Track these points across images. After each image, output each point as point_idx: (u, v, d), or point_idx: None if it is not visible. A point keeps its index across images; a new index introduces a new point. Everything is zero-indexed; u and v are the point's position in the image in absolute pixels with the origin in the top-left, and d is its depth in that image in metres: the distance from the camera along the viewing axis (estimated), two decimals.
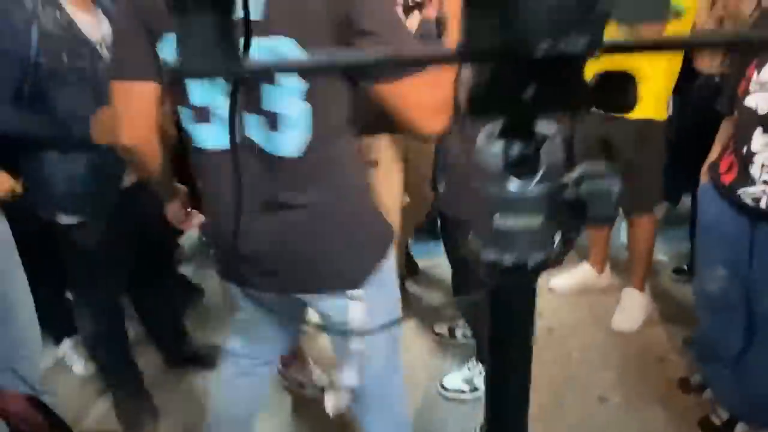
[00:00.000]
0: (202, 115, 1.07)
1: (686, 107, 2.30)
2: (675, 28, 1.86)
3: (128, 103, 1.10)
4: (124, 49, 1.09)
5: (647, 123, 2.08)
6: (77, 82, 1.52)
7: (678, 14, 1.89)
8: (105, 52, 1.57)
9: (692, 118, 2.24)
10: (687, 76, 2.24)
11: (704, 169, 1.68)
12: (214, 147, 1.09)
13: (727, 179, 1.52)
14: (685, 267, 2.59)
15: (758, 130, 1.44)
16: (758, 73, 1.47)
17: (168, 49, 1.03)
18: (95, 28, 1.59)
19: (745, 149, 1.46)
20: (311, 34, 0.96)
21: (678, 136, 2.24)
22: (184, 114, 1.09)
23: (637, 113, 2.02)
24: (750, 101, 1.48)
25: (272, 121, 1.03)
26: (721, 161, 1.58)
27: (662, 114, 2.11)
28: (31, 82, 1.48)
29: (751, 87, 1.48)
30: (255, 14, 0.95)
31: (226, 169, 1.05)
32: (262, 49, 0.95)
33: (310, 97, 1.01)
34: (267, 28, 0.94)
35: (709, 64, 2.28)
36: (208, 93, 1.04)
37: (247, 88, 1.01)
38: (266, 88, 1.01)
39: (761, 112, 1.44)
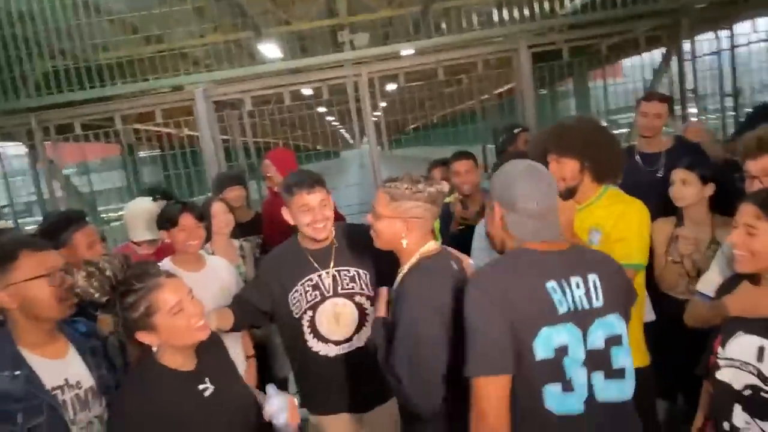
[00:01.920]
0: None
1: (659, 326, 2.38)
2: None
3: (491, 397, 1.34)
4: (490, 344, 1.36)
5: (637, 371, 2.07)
6: None
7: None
8: (68, 395, 1.55)
9: (669, 333, 2.31)
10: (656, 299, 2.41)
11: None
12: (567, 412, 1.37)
13: None
14: None
15: (737, 408, 1.52)
16: (723, 347, 1.57)
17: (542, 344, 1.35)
18: (59, 369, 1.56)
19: (727, 425, 1.54)
20: (625, 307, 1.49)
21: (661, 340, 2.30)
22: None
23: None
24: (722, 375, 1.56)
25: (620, 375, 1.42)
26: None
27: (645, 359, 2.11)
28: None
29: (720, 362, 1.57)
30: (597, 302, 1.42)
31: None
32: (605, 326, 1.41)
33: None
34: (606, 310, 1.42)
35: (673, 287, 2.45)
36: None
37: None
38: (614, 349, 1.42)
39: (737, 386, 1.52)
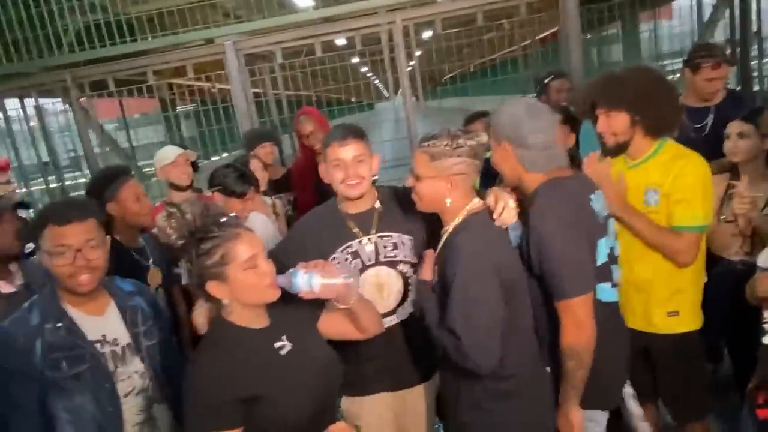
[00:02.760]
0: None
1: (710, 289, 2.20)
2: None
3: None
4: None
5: (686, 336, 2.00)
6: (78, 389, 1.56)
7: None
8: (107, 349, 1.63)
9: (719, 297, 2.21)
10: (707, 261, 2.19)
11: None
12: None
13: (762, 414, 1.56)
14: None
15: None
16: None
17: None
18: (98, 325, 1.64)
19: None
20: None
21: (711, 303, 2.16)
22: None
23: (677, 328, 1.98)
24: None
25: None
26: (758, 394, 1.62)
27: (698, 322, 2.02)
28: (39, 394, 1.52)
29: (766, 326, 1.51)
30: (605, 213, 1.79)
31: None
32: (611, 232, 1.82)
33: None
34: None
35: (726, 248, 2.29)
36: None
37: None
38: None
39: None
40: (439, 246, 1.70)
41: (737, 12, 4.30)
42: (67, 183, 5.67)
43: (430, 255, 1.72)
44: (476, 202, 1.67)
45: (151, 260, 2.36)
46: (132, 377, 1.67)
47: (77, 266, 1.55)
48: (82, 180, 5.75)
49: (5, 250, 1.98)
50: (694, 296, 2.00)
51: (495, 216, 1.63)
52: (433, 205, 1.68)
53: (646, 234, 1.88)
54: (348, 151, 1.79)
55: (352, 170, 1.80)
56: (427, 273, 1.69)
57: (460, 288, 1.53)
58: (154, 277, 2.33)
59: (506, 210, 1.62)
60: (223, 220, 1.42)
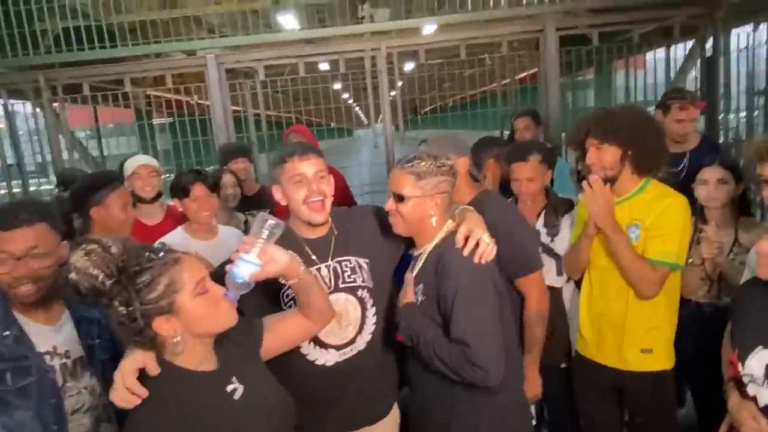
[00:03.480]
0: None
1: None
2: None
3: None
4: None
5: (659, 375, 2.02)
6: (21, 404, 1.41)
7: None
8: (56, 362, 1.52)
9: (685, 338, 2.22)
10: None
11: None
12: None
13: None
14: None
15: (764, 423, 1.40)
16: (742, 365, 1.43)
17: None
18: (50, 336, 1.53)
19: None
20: None
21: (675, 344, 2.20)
22: None
23: (651, 366, 1.99)
24: (751, 391, 1.43)
25: None
26: None
27: (671, 361, 2.04)
28: None
29: (744, 378, 1.43)
30: None
31: None
32: None
33: None
34: None
35: (693, 291, 2.31)
36: None
37: None
38: None
39: (761, 403, 1.40)
40: (418, 267, 1.68)
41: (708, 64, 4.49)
42: (32, 188, 5.48)
43: (410, 279, 1.70)
44: (451, 223, 1.68)
45: None
46: (81, 393, 1.56)
47: (15, 276, 1.44)
48: (48, 186, 5.55)
49: None
50: (669, 334, 2.01)
51: (465, 253, 1.57)
52: (417, 226, 1.66)
53: (623, 255, 1.88)
54: (310, 165, 1.67)
55: (315, 186, 1.67)
56: (411, 296, 1.66)
57: (465, 299, 1.53)
58: None
59: (481, 245, 1.58)
60: (153, 248, 1.23)
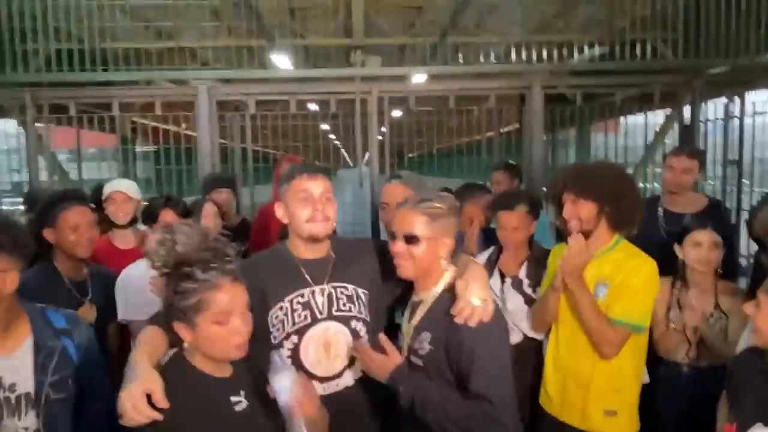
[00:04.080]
0: None
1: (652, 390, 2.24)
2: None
3: None
4: None
5: None
6: None
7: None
8: (12, 395, 1.44)
9: (664, 399, 2.25)
10: (652, 361, 2.19)
11: None
12: None
13: None
14: None
15: None
16: None
17: None
18: (14, 368, 1.46)
19: None
20: None
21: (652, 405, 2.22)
22: None
23: (615, 431, 1.95)
24: None
25: None
26: None
27: (636, 426, 1.99)
28: None
29: None
30: None
31: None
32: None
33: None
34: None
35: (672, 352, 2.28)
36: None
37: None
38: None
39: None
40: (418, 314, 1.60)
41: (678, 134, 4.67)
42: (4, 208, 5.33)
43: (385, 339, 1.58)
44: (454, 270, 1.62)
45: (89, 296, 2.18)
46: None
47: None
48: (22, 207, 5.41)
49: None
50: (633, 398, 1.96)
51: (459, 322, 1.47)
52: (427, 268, 1.58)
53: (585, 311, 1.86)
54: (317, 185, 1.65)
55: (320, 206, 1.63)
56: (397, 356, 1.56)
57: (487, 350, 1.46)
58: (86, 314, 2.12)
59: (476, 312, 1.48)
60: (212, 263, 1.29)
